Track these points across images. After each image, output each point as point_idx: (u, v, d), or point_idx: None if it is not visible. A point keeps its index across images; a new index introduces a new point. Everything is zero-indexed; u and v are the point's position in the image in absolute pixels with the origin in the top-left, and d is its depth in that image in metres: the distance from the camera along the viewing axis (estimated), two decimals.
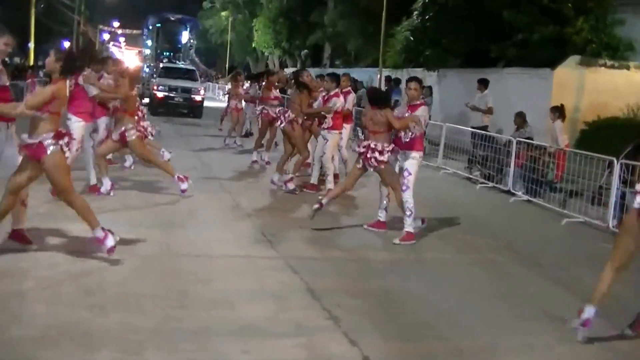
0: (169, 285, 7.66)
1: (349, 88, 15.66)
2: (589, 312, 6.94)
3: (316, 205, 10.79)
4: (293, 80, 15.38)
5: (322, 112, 13.94)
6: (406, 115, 10.74)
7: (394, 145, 10.68)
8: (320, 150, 14.18)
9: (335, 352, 6.26)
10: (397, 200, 10.83)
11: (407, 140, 10.67)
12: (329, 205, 11.05)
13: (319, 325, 6.89)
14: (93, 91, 11.64)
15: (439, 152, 19.82)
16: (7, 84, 8.20)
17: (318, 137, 14.65)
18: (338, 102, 13.95)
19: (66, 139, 7.95)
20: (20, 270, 7.72)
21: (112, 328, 6.30)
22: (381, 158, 10.60)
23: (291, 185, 13.88)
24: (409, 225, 10.60)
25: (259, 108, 18.07)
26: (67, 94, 8.12)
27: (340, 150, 15.08)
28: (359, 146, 10.93)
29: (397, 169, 10.86)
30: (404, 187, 10.61)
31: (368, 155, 10.64)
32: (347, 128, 15.19)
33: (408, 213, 10.58)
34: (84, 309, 6.68)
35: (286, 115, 14.07)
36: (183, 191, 12.45)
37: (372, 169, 10.81)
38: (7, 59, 8.33)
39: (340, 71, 34.74)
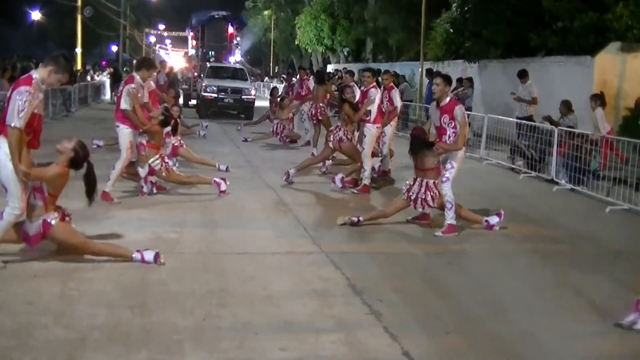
0: (210, 283, 7.72)
1: (392, 84, 15.61)
2: None
3: (353, 219, 10.78)
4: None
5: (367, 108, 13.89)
6: (444, 119, 10.59)
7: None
8: (359, 146, 14.05)
9: (375, 347, 6.24)
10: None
11: (450, 142, 10.57)
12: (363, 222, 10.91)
13: (359, 320, 6.88)
14: (124, 104, 11.72)
15: (482, 143, 19.72)
16: (42, 113, 8.32)
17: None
18: (377, 95, 13.89)
19: (69, 215, 8.25)
20: (63, 272, 7.85)
21: (152, 328, 6.36)
22: (432, 205, 10.70)
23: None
24: (451, 218, 10.55)
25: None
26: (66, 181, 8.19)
27: (382, 147, 15.01)
28: (409, 190, 10.87)
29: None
30: (444, 179, 10.53)
31: (420, 196, 10.70)
32: (392, 125, 15.15)
33: (449, 206, 10.52)
34: (124, 309, 6.76)
35: (335, 132, 14.14)
36: (222, 192, 12.56)
37: (421, 209, 10.86)
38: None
39: (382, 66, 34.81)
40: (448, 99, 10.78)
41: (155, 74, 15.03)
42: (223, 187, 12.63)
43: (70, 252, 8.25)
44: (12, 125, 7.69)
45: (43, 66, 8.15)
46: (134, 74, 12.19)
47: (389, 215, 10.96)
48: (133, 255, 8.23)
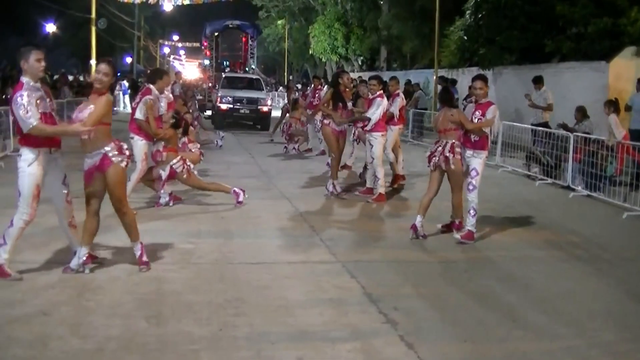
0: (226, 293, 7.72)
1: (398, 91, 15.53)
2: None
3: (413, 234, 10.66)
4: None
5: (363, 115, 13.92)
6: (476, 113, 10.75)
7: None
8: (369, 156, 13.92)
9: (391, 356, 6.23)
10: (454, 201, 10.84)
11: (477, 139, 10.65)
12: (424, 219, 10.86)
13: (375, 329, 6.87)
14: (138, 114, 11.76)
15: (497, 150, 19.66)
16: (49, 110, 8.07)
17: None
18: (383, 103, 13.80)
19: (127, 152, 8.29)
20: (79, 283, 7.86)
21: (168, 338, 6.37)
22: (458, 157, 10.61)
23: (333, 189, 14.02)
24: (472, 225, 10.57)
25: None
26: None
27: (386, 153, 14.97)
28: (432, 153, 10.79)
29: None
30: (470, 187, 10.59)
31: (445, 155, 10.60)
32: (393, 130, 15.06)
33: (472, 212, 10.57)
34: (141, 320, 6.78)
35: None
36: (239, 203, 12.55)
37: (446, 168, 10.68)
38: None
39: (396, 74, 34.74)
40: (485, 99, 10.93)
41: (170, 85, 15.05)
42: (241, 197, 12.62)
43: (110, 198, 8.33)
44: (30, 127, 7.66)
45: (22, 68, 8.01)
46: (150, 86, 12.17)
47: (435, 193, 10.81)
48: (136, 244, 8.52)
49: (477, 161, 10.67)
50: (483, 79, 11.04)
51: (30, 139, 7.81)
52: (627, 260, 10.10)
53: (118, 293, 7.58)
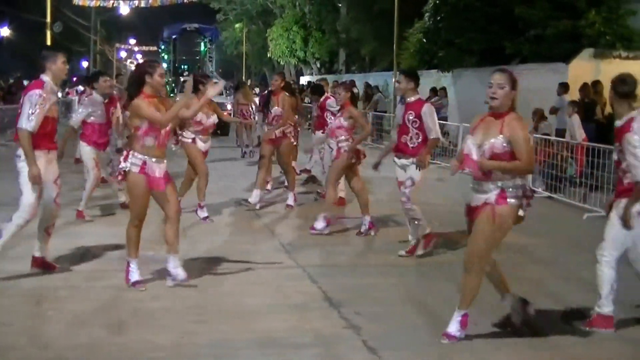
0: (188, 300, 7.68)
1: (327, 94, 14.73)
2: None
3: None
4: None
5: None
6: (408, 115, 9.63)
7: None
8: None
9: None
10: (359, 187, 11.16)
11: (414, 145, 9.71)
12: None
13: (337, 334, 6.84)
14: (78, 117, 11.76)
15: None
16: (56, 115, 8.21)
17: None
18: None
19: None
20: (37, 291, 7.77)
21: (129, 346, 6.30)
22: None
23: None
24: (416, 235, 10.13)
25: None
26: None
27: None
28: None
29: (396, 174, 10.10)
30: (404, 199, 9.79)
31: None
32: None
33: (416, 222, 9.93)
34: (101, 328, 6.69)
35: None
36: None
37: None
38: None
39: (355, 77, 34.78)
40: (417, 96, 9.79)
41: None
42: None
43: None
44: (22, 127, 7.70)
45: (46, 69, 8.03)
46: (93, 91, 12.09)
47: (334, 193, 11.31)
48: (130, 261, 8.09)
49: (414, 170, 9.75)
50: (405, 73, 9.97)
51: (32, 141, 7.78)
52: (588, 260, 10.12)
53: (77, 301, 7.49)
